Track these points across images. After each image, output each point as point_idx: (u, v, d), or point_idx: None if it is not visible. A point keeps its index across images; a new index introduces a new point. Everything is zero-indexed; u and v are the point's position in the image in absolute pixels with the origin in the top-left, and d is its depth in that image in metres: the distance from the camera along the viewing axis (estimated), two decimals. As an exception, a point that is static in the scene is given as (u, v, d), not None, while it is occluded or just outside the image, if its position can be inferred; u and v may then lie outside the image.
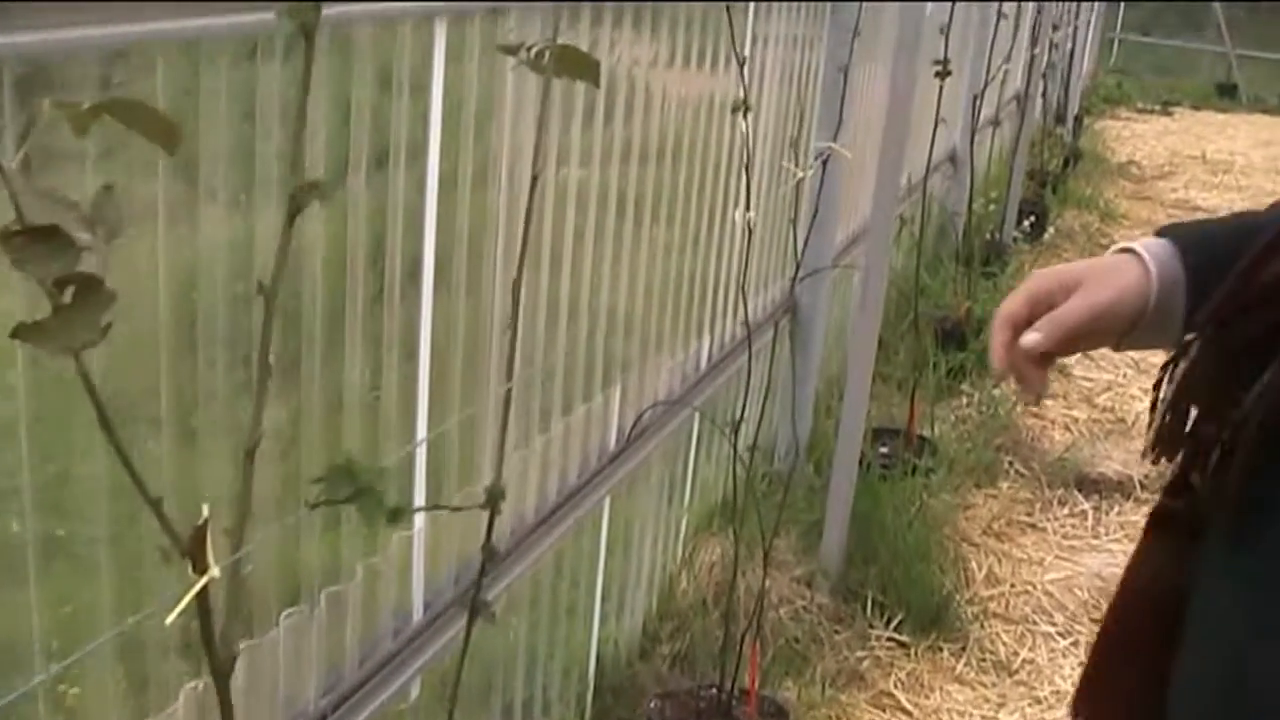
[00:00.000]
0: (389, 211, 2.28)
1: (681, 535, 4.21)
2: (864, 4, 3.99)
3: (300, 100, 1.12)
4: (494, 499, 1.45)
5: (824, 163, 4.07)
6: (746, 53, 3.98)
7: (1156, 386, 1.12)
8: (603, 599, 3.65)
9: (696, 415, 3.80)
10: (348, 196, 2.17)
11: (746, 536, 3.59)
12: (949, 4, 4.88)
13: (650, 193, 3.45)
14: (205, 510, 1.10)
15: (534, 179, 1.45)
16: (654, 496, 3.90)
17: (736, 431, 2.80)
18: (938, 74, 4.81)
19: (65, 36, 1.50)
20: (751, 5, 3.99)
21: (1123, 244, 1.31)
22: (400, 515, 1.28)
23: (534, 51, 1.54)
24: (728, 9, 3.10)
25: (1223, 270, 1.16)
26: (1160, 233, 1.31)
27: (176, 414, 1.88)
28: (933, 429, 5.38)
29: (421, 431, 2.49)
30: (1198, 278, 1.26)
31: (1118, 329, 1.28)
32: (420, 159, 2.33)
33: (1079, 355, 7.19)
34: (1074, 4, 11.36)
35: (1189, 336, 1.11)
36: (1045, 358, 1.30)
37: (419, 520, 2.47)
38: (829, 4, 4.58)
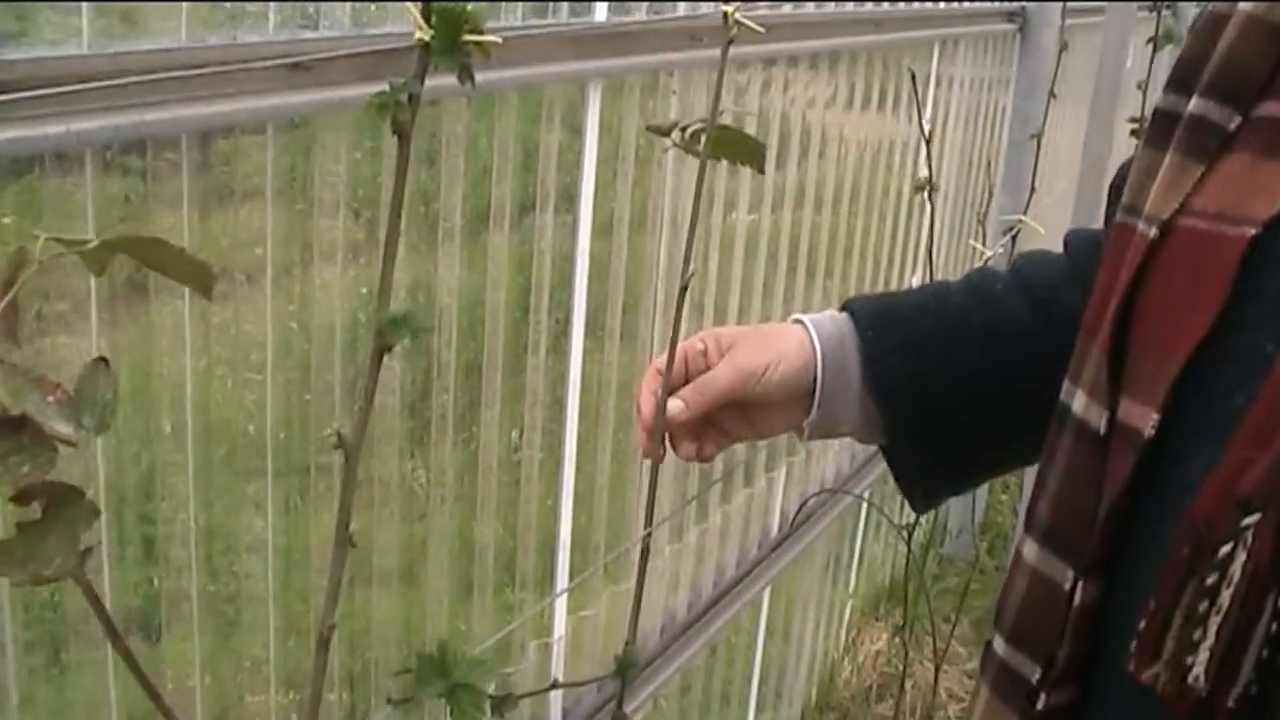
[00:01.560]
0: (536, 259, 2.08)
1: (845, 620, 3.93)
2: (1059, 64, 3.70)
3: (394, 212, 0.90)
4: (626, 668, 1.22)
5: (1014, 237, 3.79)
6: (932, 94, 3.73)
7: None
8: (760, 685, 3.40)
9: (867, 492, 3.53)
10: (489, 246, 1.98)
11: (915, 624, 3.32)
12: (1148, 57, 4.55)
13: (824, 241, 3.20)
14: None
15: (682, 290, 1.22)
16: (816, 579, 3.63)
17: (911, 532, 2.54)
18: (1133, 132, 4.49)
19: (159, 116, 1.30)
20: (937, 47, 3.73)
21: (796, 316, 1.21)
22: (507, 705, 1.05)
23: (689, 132, 1.31)
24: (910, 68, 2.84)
25: (905, 348, 1.16)
26: (843, 306, 1.22)
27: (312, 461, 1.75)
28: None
29: (567, 498, 2.26)
30: (874, 353, 1.17)
31: (778, 400, 1.18)
32: (573, 204, 2.12)
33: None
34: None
35: None
36: (707, 426, 1.21)
37: (558, 627, 2.24)
38: (1016, 47, 4.30)
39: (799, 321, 1.20)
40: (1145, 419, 0.85)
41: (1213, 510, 0.75)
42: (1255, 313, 0.81)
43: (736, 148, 1.36)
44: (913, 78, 2.08)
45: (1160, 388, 0.84)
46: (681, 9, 2.26)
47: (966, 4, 3.87)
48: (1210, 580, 0.75)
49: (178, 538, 1.57)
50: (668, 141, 1.37)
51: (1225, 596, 0.74)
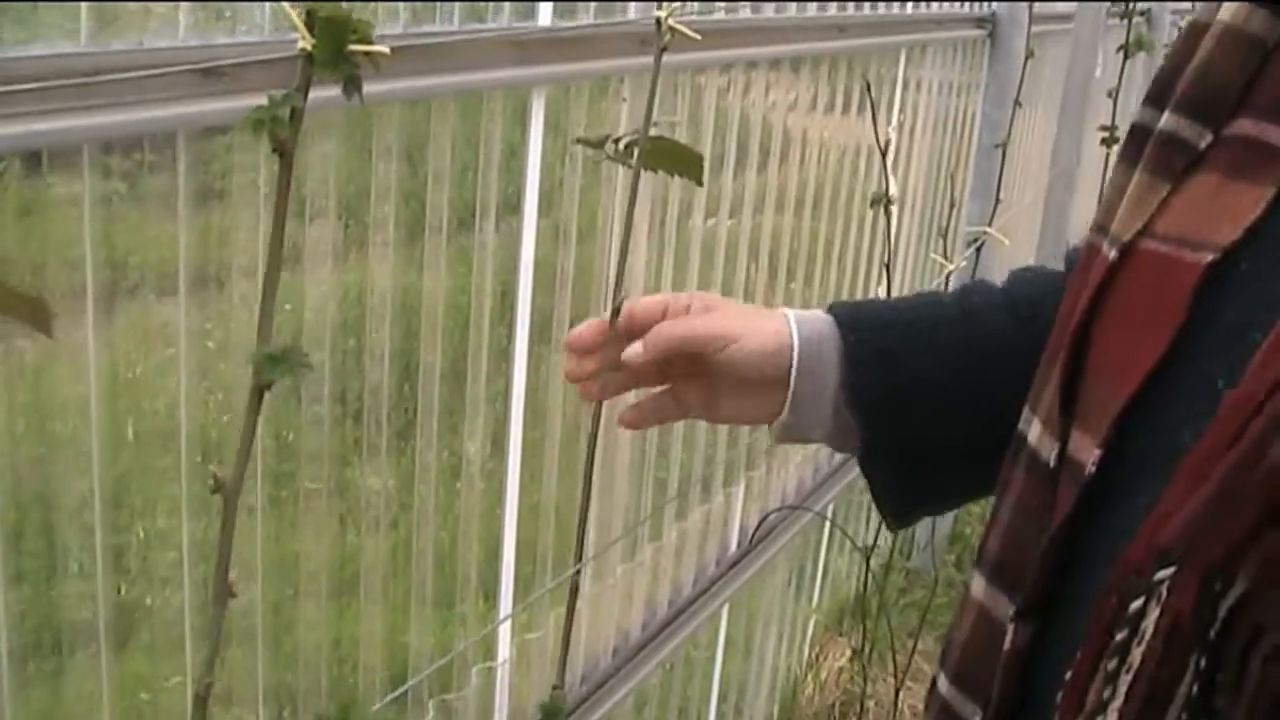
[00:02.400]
0: (478, 267, 2.01)
1: (808, 636, 3.86)
2: (1024, 72, 3.64)
3: (275, 239, 0.83)
4: (552, 717, 1.15)
5: (978, 249, 3.74)
6: (899, 97, 3.67)
7: None
8: (719, 703, 3.33)
9: (830, 507, 3.46)
10: (424, 255, 1.91)
11: (879, 641, 3.26)
12: (1118, 65, 4.49)
13: (786, 246, 3.13)
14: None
15: (614, 313, 1.15)
16: (778, 595, 3.57)
17: (871, 551, 2.48)
18: (1104, 141, 4.43)
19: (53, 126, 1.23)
20: (903, 53, 3.66)
21: (785, 309, 1.16)
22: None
23: (623, 144, 1.25)
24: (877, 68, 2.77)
25: (883, 356, 1.11)
26: (829, 309, 1.16)
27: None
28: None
29: (511, 509, 2.19)
30: (853, 358, 1.12)
31: (738, 379, 1.12)
32: (517, 212, 2.06)
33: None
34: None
35: None
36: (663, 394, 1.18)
37: (503, 650, 2.17)
38: (987, 51, 4.24)
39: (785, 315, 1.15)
40: (1089, 453, 0.81)
41: (1143, 559, 0.70)
42: (1209, 343, 0.76)
43: (673, 159, 1.30)
44: (868, 87, 2.01)
45: (1104, 420, 0.80)
46: (631, 11, 2.18)
47: (935, 9, 3.80)
48: (1120, 636, 0.70)
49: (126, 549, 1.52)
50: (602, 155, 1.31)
51: (1136, 655, 0.70)
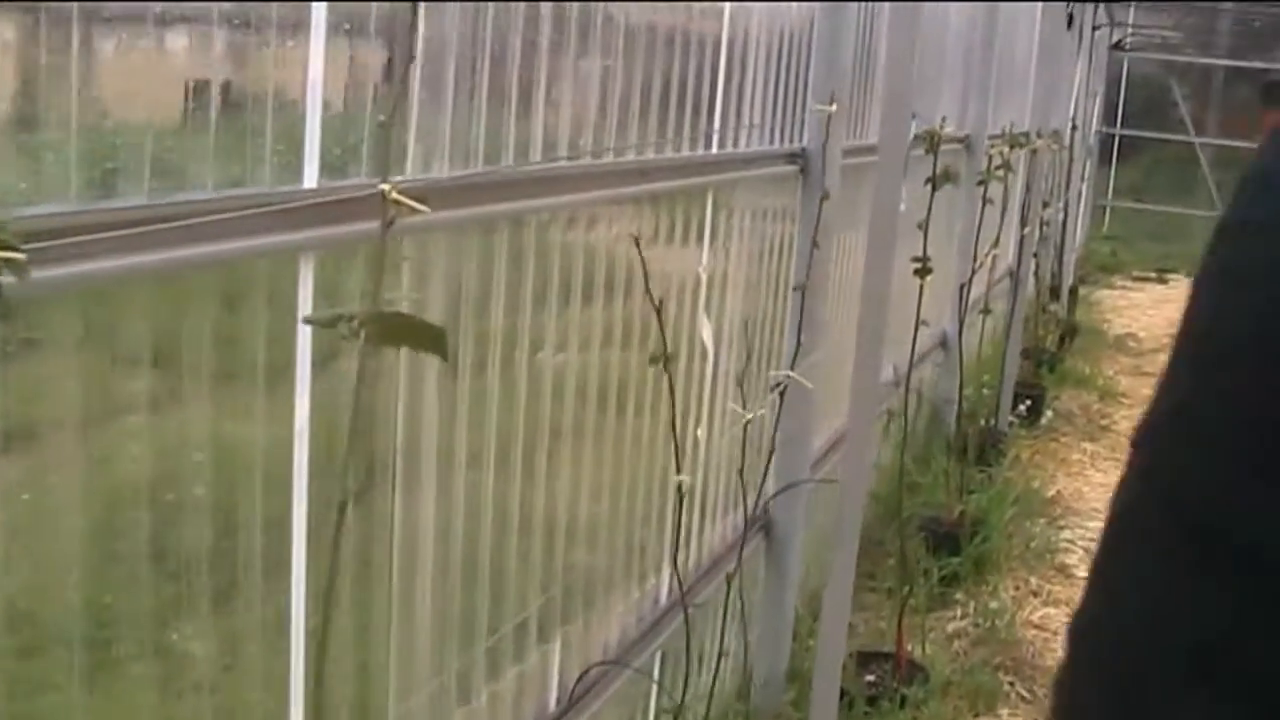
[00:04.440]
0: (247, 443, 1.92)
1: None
2: (820, 213, 3.67)
3: None
4: None
5: (781, 394, 3.71)
6: (707, 231, 3.65)
7: None
8: None
9: (656, 657, 3.39)
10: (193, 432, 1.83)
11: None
12: (925, 199, 4.56)
13: (615, 381, 3.08)
14: None
15: (340, 509, 1.09)
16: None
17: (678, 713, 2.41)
18: (916, 271, 4.49)
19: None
20: (711, 186, 3.63)
21: None
22: None
23: (355, 323, 1.20)
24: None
25: None
26: None
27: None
28: (924, 648, 4.88)
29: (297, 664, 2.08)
30: None
31: None
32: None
33: (1080, 554, 6.75)
34: (1064, 179, 11.16)
35: None
36: None
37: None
38: (799, 187, 4.24)
39: None
40: None
41: None
42: None
43: (413, 335, 1.25)
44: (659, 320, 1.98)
45: None
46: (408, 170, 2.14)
47: (743, 148, 3.80)
48: None
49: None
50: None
51: None
